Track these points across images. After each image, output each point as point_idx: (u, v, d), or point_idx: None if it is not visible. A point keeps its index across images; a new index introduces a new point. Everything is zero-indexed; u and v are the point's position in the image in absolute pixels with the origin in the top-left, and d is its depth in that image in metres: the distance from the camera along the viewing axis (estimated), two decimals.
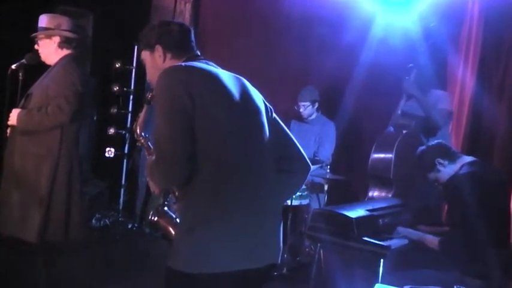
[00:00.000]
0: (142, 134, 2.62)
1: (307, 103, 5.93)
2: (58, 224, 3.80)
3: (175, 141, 2.22)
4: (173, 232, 2.49)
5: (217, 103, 2.31)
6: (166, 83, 2.30)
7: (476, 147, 5.36)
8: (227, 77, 2.43)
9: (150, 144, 2.61)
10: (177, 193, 2.45)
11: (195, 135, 2.24)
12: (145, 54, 2.58)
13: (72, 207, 3.86)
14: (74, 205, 3.87)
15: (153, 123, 2.29)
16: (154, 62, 2.54)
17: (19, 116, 3.80)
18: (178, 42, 2.53)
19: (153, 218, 2.56)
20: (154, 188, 2.46)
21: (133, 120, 7.05)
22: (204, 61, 2.49)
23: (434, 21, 5.08)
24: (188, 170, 2.24)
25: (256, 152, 2.39)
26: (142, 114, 2.61)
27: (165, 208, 2.56)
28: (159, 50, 2.52)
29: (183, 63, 2.43)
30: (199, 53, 2.57)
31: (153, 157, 2.33)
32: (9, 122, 3.84)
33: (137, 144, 2.68)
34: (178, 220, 2.48)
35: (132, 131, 6.96)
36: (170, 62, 2.51)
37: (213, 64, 2.51)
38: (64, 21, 3.98)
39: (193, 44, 2.58)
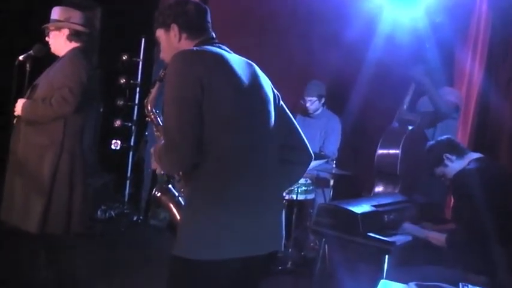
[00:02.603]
0: (153, 110, 2.66)
1: (314, 98, 5.92)
2: (59, 217, 3.79)
3: (185, 127, 2.23)
4: (174, 209, 2.55)
5: (226, 89, 2.31)
6: (178, 68, 2.30)
7: (483, 143, 5.35)
8: (238, 63, 2.43)
9: (159, 120, 2.65)
10: (181, 173, 2.47)
11: (203, 120, 2.25)
12: (160, 32, 2.57)
13: (75, 200, 3.85)
14: (76, 198, 3.86)
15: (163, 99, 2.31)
16: (170, 41, 2.54)
17: (24, 106, 3.81)
18: (194, 22, 2.53)
19: (156, 193, 2.62)
20: (155, 166, 2.48)
21: (140, 113, 7.13)
22: (217, 45, 2.50)
23: (440, 16, 5.05)
24: (197, 155, 2.26)
25: (262, 140, 2.40)
26: (154, 91, 2.65)
27: (169, 185, 2.62)
28: (174, 29, 2.52)
29: (195, 48, 2.43)
30: (214, 35, 2.57)
31: (162, 141, 2.35)
32: (15, 112, 3.86)
33: (146, 119, 2.71)
34: (180, 198, 2.54)
35: (138, 123, 7.06)
36: (185, 42, 2.51)
37: (226, 48, 2.51)
38: (74, 14, 4.00)
39: (209, 24, 2.58)
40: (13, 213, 3.81)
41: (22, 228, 3.78)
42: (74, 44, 3.96)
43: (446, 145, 3.92)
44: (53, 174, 3.79)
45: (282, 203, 2.58)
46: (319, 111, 6.02)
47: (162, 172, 2.52)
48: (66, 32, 3.95)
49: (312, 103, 5.93)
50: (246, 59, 2.51)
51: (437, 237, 3.79)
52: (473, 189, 3.55)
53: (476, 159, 3.80)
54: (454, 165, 3.82)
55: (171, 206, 2.57)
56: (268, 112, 2.47)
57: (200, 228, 2.26)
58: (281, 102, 2.60)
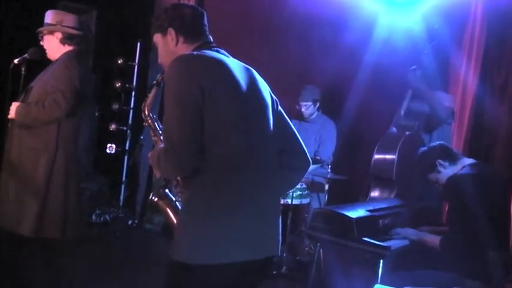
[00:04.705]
0: (150, 114, 2.66)
1: (309, 103, 5.92)
2: (54, 221, 3.79)
3: (185, 131, 2.23)
4: (171, 214, 2.55)
5: (225, 94, 2.31)
6: (178, 73, 2.30)
7: (478, 148, 5.35)
8: (237, 67, 2.43)
9: (156, 125, 2.65)
10: (179, 178, 2.47)
11: (203, 124, 2.25)
12: (157, 37, 2.57)
13: (69, 204, 3.85)
14: (70, 202, 3.86)
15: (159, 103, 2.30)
16: (167, 45, 2.54)
17: (17, 110, 3.82)
18: (190, 25, 2.52)
19: (153, 198, 2.61)
20: (156, 172, 2.47)
21: (135, 117, 7.14)
22: (215, 49, 2.49)
23: (438, 23, 5.07)
24: (197, 159, 2.25)
25: (261, 144, 2.40)
26: (151, 95, 2.64)
27: (166, 190, 2.61)
28: (171, 33, 2.51)
29: (194, 52, 2.42)
30: (211, 39, 2.57)
31: (161, 145, 2.34)
32: (9, 116, 3.86)
33: (144, 124, 2.70)
34: (177, 203, 2.54)
35: (133, 127, 7.06)
36: (182, 46, 2.51)
37: (224, 52, 2.51)
38: (67, 18, 4.00)
39: (206, 28, 2.58)
40: (7, 216, 3.80)
41: (16, 231, 3.77)
42: (67, 48, 3.96)
43: (439, 151, 3.91)
44: (48, 178, 3.79)
45: (280, 208, 2.57)
46: (314, 116, 6.02)
47: (159, 176, 2.51)
48: (59, 35, 3.95)
49: (307, 108, 5.93)
50: (244, 64, 2.51)
51: (432, 240, 3.79)
52: (465, 194, 3.55)
53: (470, 165, 3.80)
54: (447, 171, 3.82)
55: (168, 210, 2.57)
56: (267, 117, 2.46)
57: (198, 233, 2.26)
58: (279, 107, 2.60)
